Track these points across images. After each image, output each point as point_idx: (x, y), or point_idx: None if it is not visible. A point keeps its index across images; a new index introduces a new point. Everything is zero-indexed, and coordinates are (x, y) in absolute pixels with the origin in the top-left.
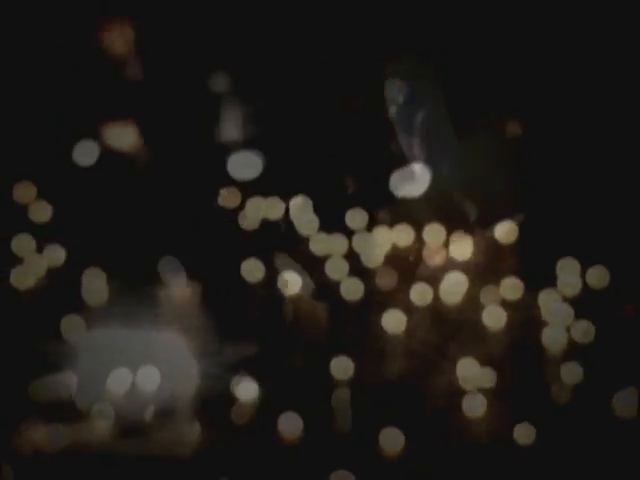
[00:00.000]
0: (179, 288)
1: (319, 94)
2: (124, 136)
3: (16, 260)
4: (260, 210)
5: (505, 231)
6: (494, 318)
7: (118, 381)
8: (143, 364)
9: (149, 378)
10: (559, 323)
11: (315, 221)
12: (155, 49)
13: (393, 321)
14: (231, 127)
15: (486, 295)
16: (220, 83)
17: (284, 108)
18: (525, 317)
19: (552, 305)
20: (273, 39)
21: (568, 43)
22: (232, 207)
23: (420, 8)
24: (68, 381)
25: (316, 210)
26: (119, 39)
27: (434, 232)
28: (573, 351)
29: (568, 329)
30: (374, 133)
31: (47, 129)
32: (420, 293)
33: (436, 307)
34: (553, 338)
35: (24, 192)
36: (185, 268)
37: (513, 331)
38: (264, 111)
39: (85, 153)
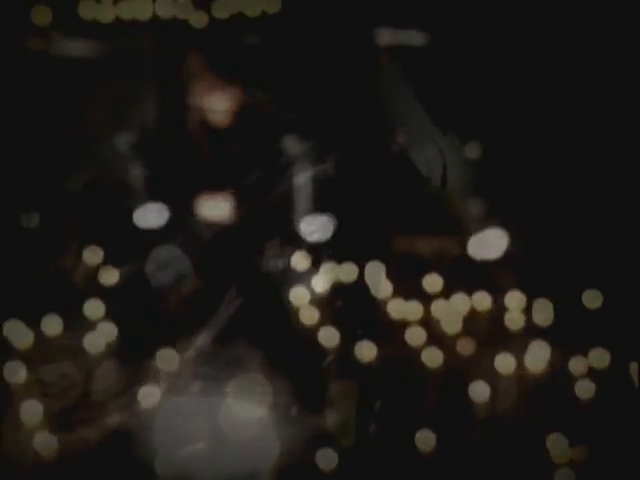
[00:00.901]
0: (253, 354)
1: (393, 158)
2: (193, 200)
3: (88, 325)
4: (333, 274)
5: (589, 297)
6: (583, 388)
7: (194, 450)
8: (220, 433)
9: (227, 448)
10: None
11: (389, 286)
12: (224, 112)
13: (477, 390)
14: (304, 191)
15: (574, 364)
16: (292, 146)
17: (358, 172)
18: (614, 386)
19: None
20: (344, 102)
21: (566, 50)
22: (304, 271)
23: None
24: (143, 449)
25: (391, 275)
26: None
27: (515, 298)
28: None
29: None
30: (446, 198)
31: (113, 193)
32: (504, 361)
33: (521, 376)
34: None
35: (92, 256)
36: (259, 334)
37: (603, 401)
38: (338, 175)
39: (151, 217)
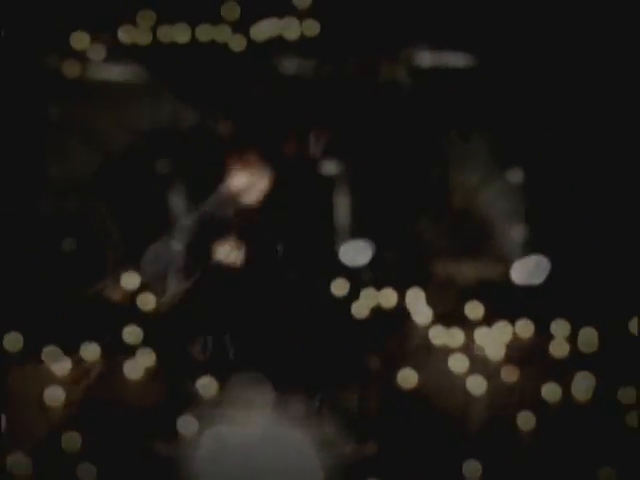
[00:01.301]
0: (292, 380)
1: (433, 184)
2: (231, 227)
3: (127, 351)
4: (373, 300)
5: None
6: (633, 418)
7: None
8: (261, 461)
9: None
10: None
11: (429, 313)
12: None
13: (523, 419)
14: (343, 216)
15: (623, 394)
16: (331, 170)
17: (398, 197)
18: None
19: None
20: (384, 126)
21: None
22: (344, 296)
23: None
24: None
25: (431, 302)
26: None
27: (559, 326)
28: None
29: None
30: (487, 223)
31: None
32: (550, 390)
33: (568, 406)
34: None
35: (130, 281)
36: (301, 360)
37: None
38: (379, 201)
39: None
